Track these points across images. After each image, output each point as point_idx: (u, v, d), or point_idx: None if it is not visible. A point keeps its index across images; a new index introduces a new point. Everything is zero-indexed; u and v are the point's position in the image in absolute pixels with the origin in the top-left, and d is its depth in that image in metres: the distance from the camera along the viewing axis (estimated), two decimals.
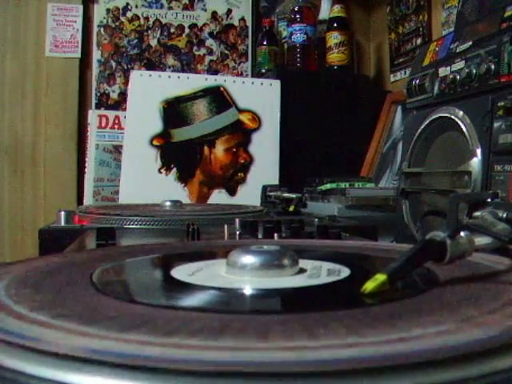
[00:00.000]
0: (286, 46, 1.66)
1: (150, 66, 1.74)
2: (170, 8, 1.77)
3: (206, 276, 0.33)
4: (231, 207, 0.98)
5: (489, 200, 0.62)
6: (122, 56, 1.74)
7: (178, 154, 1.39)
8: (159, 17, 1.77)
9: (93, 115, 1.60)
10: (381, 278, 0.27)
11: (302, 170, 1.39)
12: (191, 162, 1.40)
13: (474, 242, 0.32)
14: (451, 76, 0.81)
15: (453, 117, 0.81)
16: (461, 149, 0.79)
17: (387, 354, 0.18)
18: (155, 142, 1.38)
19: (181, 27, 1.78)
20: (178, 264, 0.36)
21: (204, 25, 1.79)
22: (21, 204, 1.66)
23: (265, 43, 1.64)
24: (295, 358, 0.18)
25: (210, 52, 1.79)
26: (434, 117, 0.86)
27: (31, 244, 1.59)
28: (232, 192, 1.41)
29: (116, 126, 1.58)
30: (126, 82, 1.63)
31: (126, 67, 1.74)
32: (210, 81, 1.45)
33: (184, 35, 1.78)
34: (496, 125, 0.71)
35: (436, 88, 0.87)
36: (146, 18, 1.76)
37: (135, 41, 1.75)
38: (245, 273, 0.31)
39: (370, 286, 0.27)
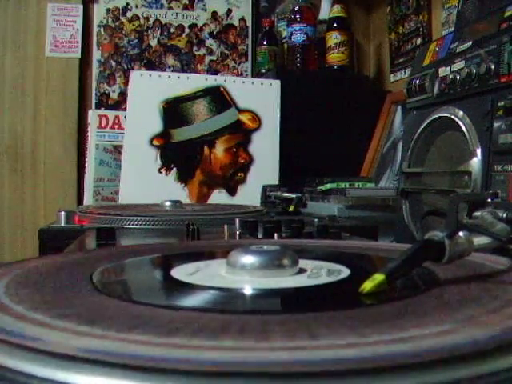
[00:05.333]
0: (286, 45, 1.66)
1: (150, 65, 1.74)
2: (170, 8, 1.77)
3: (206, 276, 0.33)
4: (231, 207, 0.98)
5: (489, 200, 0.62)
6: (121, 56, 1.74)
7: (178, 154, 1.39)
8: (159, 17, 1.77)
9: (93, 115, 1.60)
10: (379, 277, 0.27)
11: (302, 170, 1.39)
12: (191, 162, 1.40)
13: (472, 241, 0.32)
14: (451, 76, 0.81)
15: (453, 117, 0.81)
16: (461, 149, 0.79)
17: (387, 354, 0.18)
18: (155, 142, 1.38)
19: (181, 27, 1.78)
20: (178, 264, 0.36)
21: (204, 25, 1.79)
22: (21, 204, 1.66)
23: (265, 43, 1.65)
24: (295, 359, 0.18)
25: (210, 52, 1.79)
26: (433, 117, 0.86)
27: (31, 244, 1.59)
28: (232, 192, 1.41)
29: (116, 126, 1.58)
30: (126, 82, 1.63)
31: (125, 67, 1.74)
32: (209, 81, 1.45)
33: (184, 35, 1.78)
34: (496, 125, 0.71)
35: (436, 88, 0.87)
36: (146, 18, 1.76)
37: (135, 41, 1.75)
38: (245, 273, 0.31)
39: (368, 285, 0.27)
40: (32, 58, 1.67)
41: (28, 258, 0.40)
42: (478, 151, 0.74)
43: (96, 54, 1.73)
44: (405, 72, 1.52)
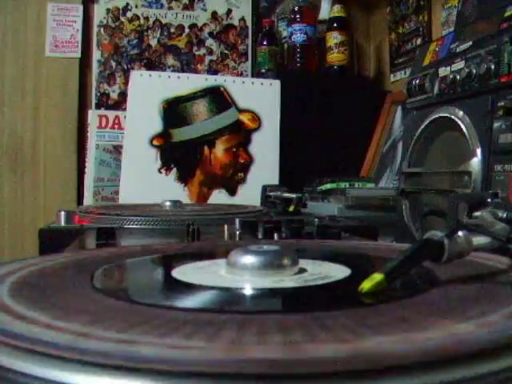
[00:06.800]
0: (286, 45, 1.66)
1: (150, 66, 1.74)
2: (170, 8, 1.77)
3: (206, 276, 0.33)
4: (231, 207, 0.98)
5: (489, 200, 0.62)
6: (122, 56, 1.74)
7: (178, 154, 1.39)
8: (159, 17, 1.77)
9: (93, 115, 1.59)
10: (378, 277, 0.27)
11: (302, 170, 1.39)
12: (191, 162, 1.40)
13: (472, 241, 0.32)
14: (451, 76, 0.81)
15: (453, 117, 0.81)
16: (461, 149, 0.79)
17: (386, 354, 0.18)
18: (155, 142, 1.38)
19: (181, 27, 1.78)
20: (178, 264, 0.36)
21: (204, 25, 1.79)
22: (21, 204, 1.65)
23: (265, 43, 1.64)
24: (294, 359, 0.18)
25: (210, 52, 1.79)
26: (434, 117, 0.86)
27: (31, 244, 1.59)
28: (232, 192, 1.41)
29: (116, 126, 1.58)
30: (126, 82, 1.62)
31: (126, 67, 1.74)
32: (209, 81, 1.45)
33: (184, 35, 1.78)
34: (496, 125, 0.71)
35: (436, 88, 0.87)
36: (146, 18, 1.76)
37: (135, 41, 1.75)
38: (245, 273, 0.31)
39: (366, 285, 0.27)
40: (32, 57, 1.67)
41: (28, 257, 0.40)
42: (478, 151, 0.74)
43: (96, 54, 1.73)
44: (405, 72, 1.52)
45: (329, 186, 1.20)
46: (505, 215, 0.52)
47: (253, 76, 1.74)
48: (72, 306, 0.26)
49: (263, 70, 1.63)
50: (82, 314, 0.24)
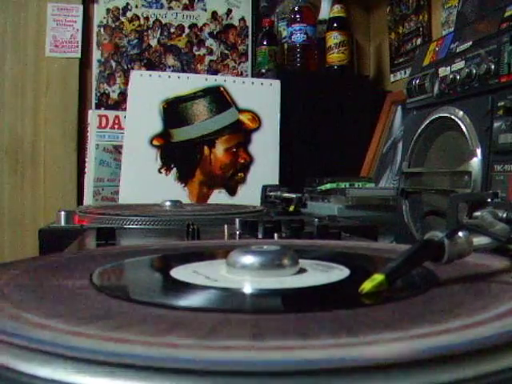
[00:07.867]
0: (286, 45, 1.66)
1: (150, 66, 1.74)
2: (170, 8, 1.77)
3: (206, 276, 0.33)
4: (231, 207, 0.98)
5: (489, 200, 0.63)
6: (122, 56, 1.74)
7: (178, 154, 1.39)
8: (159, 17, 1.77)
9: (93, 115, 1.59)
10: (378, 277, 0.27)
11: (301, 170, 1.39)
12: (191, 162, 1.40)
13: (472, 242, 0.32)
14: (451, 76, 0.81)
15: (453, 117, 0.81)
16: (461, 149, 0.79)
17: (385, 354, 0.18)
18: (155, 142, 1.38)
19: (181, 27, 1.78)
20: (178, 264, 0.36)
21: (204, 25, 1.79)
22: (21, 204, 1.65)
23: (265, 43, 1.64)
24: (293, 358, 0.18)
25: (210, 52, 1.79)
26: (434, 117, 0.86)
27: (31, 244, 1.59)
28: (232, 192, 1.41)
29: (116, 126, 1.58)
30: (126, 82, 1.63)
31: (126, 67, 1.74)
32: (210, 81, 1.45)
33: (184, 35, 1.78)
34: (496, 125, 0.71)
35: (436, 88, 0.87)
36: (146, 18, 1.76)
37: (135, 41, 1.75)
38: (245, 273, 0.31)
39: (367, 286, 0.27)
40: (32, 57, 1.67)
41: (27, 257, 0.40)
42: (478, 151, 0.74)
43: (96, 54, 1.73)
44: (405, 72, 1.52)
45: (329, 186, 1.20)
46: (505, 215, 0.52)
47: (253, 76, 1.74)
48: (71, 306, 0.26)
49: (263, 70, 1.63)
50: (81, 314, 0.24)
